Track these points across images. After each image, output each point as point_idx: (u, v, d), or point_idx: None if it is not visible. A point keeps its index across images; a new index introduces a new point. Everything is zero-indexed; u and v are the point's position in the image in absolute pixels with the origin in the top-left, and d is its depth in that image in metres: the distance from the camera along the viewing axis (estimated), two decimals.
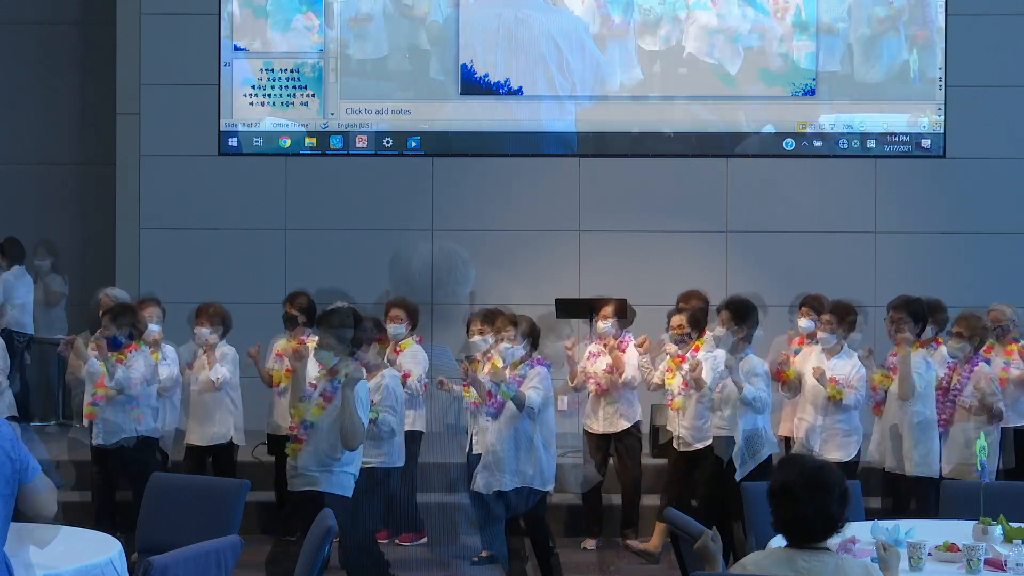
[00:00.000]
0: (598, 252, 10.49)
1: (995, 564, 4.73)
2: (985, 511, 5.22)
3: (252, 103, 10.63)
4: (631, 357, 8.01)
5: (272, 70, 10.62)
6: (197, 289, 9.40)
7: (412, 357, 8.00)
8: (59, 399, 10.26)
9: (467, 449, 7.69)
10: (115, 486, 7.64)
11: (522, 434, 6.92)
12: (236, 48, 10.63)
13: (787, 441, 7.90)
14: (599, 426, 8.09)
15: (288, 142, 10.63)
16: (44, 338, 10.21)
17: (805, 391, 7.54)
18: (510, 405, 6.87)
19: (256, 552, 7.44)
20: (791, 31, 10.51)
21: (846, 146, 10.50)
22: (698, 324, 7.75)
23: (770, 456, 7.17)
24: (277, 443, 8.10)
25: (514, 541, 7.49)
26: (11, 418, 7.88)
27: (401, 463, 7.35)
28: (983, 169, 10.48)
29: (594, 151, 10.60)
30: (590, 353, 8.17)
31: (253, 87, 10.63)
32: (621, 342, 8.06)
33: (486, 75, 10.54)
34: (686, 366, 7.59)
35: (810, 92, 10.49)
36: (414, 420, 7.96)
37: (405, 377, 7.63)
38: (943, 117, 10.44)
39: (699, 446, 7.57)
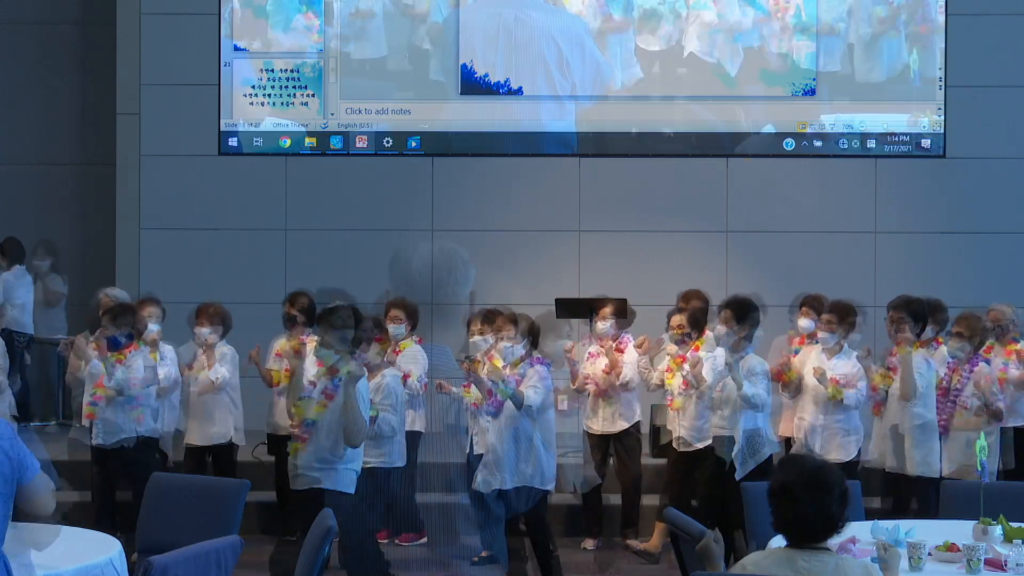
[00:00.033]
0: (598, 252, 10.49)
1: (995, 564, 4.73)
2: (985, 511, 5.22)
3: (252, 103, 10.63)
4: (630, 358, 8.01)
5: (272, 70, 10.62)
6: (197, 289, 9.40)
7: (412, 357, 8.00)
8: (59, 399, 10.26)
9: (468, 449, 7.69)
10: (115, 486, 7.64)
11: (522, 433, 6.93)
12: (236, 48, 10.63)
13: (787, 441, 7.90)
14: (598, 426, 8.09)
15: (288, 142, 10.63)
16: (44, 338, 10.20)
17: (805, 391, 7.54)
18: (509, 404, 6.87)
19: (256, 552, 7.45)
20: (791, 31, 10.51)
21: (846, 146, 10.50)
22: (698, 324, 7.75)
23: (770, 456, 7.18)
24: (277, 443, 8.11)
25: (514, 541, 7.50)
26: (12, 418, 7.90)
27: (402, 463, 7.35)
28: (983, 169, 10.48)
29: (594, 151, 10.60)
30: (589, 354, 8.17)
31: (253, 87, 10.63)
32: (620, 343, 8.06)
33: (486, 75, 10.54)
34: (687, 366, 7.59)
35: (810, 92, 10.49)
36: (413, 420, 7.97)
37: (405, 377, 7.63)
38: (943, 117, 10.44)
39: (699, 446, 7.57)
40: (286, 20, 10.64)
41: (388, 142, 10.59)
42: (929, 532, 5.02)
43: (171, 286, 9.67)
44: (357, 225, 10.50)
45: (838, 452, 7.35)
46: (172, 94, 10.55)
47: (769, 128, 10.51)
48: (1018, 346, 7.91)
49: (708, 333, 7.67)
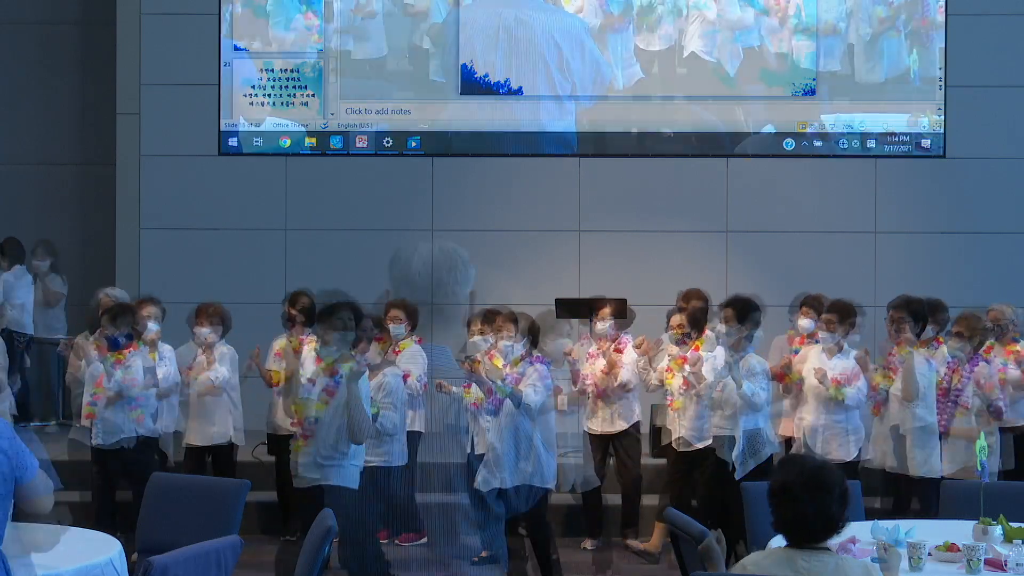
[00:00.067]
0: (598, 252, 10.49)
1: (995, 564, 4.72)
2: (985, 511, 5.22)
3: (252, 103, 10.63)
4: (628, 359, 8.01)
5: (272, 70, 10.62)
6: (197, 289, 9.40)
7: (411, 357, 8.00)
8: (59, 399, 10.26)
9: (469, 449, 7.69)
10: (115, 486, 7.64)
11: (521, 432, 6.93)
12: (236, 48, 10.63)
13: (787, 441, 7.90)
14: (597, 427, 8.08)
15: (288, 142, 10.63)
16: (44, 338, 10.20)
17: (806, 391, 7.54)
18: (509, 403, 6.87)
19: (256, 552, 7.45)
20: (791, 31, 10.51)
21: (846, 146, 10.50)
22: (698, 324, 7.75)
23: (770, 456, 7.18)
24: (277, 443, 8.11)
25: (514, 541, 7.50)
26: (11, 417, 7.90)
27: (403, 462, 7.36)
28: (983, 169, 10.48)
29: (594, 151, 10.60)
30: (589, 354, 8.16)
31: (253, 87, 10.63)
32: (619, 344, 8.05)
33: (486, 75, 10.54)
34: (688, 366, 7.59)
35: (810, 92, 10.49)
36: (413, 420, 7.97)
37: (405, 377, 7.63)
38: (943, 117, 10.44)
39: (699, 446, 7.57)
40: (286, 20, 10.64)
41: (388, 142, 10.59)
42: (929, 532, 5.02)
43: (171, 286, 9.67)
44: (357, 225, 10.50)
45: (839, 452, 7.35)
46: (172, 94, 10.55)
47: (769, 128, 10.51)
48: (1018, 346, 7.92)
49: (708, 332, 7.67)
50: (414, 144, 10.59)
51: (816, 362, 7.49)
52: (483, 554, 7.48)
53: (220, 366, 7.94)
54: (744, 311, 7.29)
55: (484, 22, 10.57)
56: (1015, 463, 7.70)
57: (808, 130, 10.50)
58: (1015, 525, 5.11)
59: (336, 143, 10.60)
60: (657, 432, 8.36)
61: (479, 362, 7.26)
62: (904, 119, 10.46)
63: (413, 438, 7.89)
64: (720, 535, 4.25)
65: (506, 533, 7.18)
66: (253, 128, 10.62)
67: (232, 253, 10.51)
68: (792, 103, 10.49)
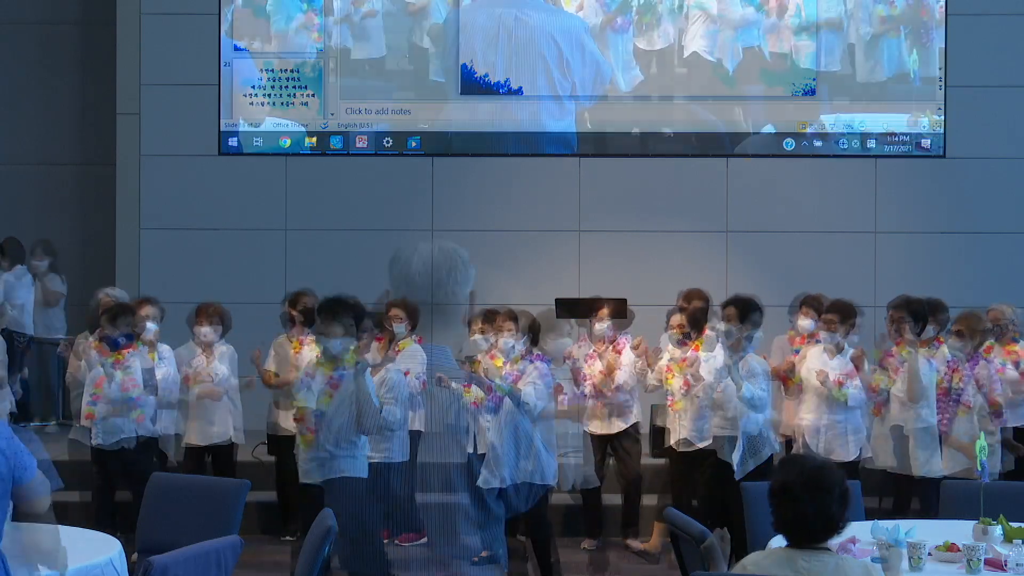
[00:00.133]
0: (598, 252, 10.49)
1: (995, 564, 4.72)
2: (985, 511, 5.22)
3: (252, 103, 10.63)
4: (626, 359, 8.00)
5: (272, 70, 10.62)
6: (197, 289, 9.40)
7: (411, 356, 8.00)
8: (59, 399, 10.25)
9: (470, 449, 7.69)
10: (115, 486, 7.64)
11: (521, 431, 6.93)
12: (236, 48, 10.63)
13: (788, 441, 7.89)
14: (596, 427, 8.08)
15: (288, 142, 10.63)
16: (44, 338, 10.20)
17: (806, 391, 7.54)
18: (509, 402, 6.87)
19: (256, 552, 7.45)
20: (791, 31, 10.50)
21: (846, 146, 10.50)
22: (698, 324, 7.75)
23: (771, 456, 7.17)
24: (277, 443, 8.11)
25: (514, 541, 7.50)
26: (11, 415, 7.91)
27: (404, 458, 7.36)
28: (983, 169, 10.48)
29: (594, 151, 10.60)
30: (587, 356, 8.15)
31: (253, 87, 10.63)
32: (617, 344, 8.04)
33: (486, 75, 10.54)
34: (687, 367, 7.59)
35: (810, 92, 10.49)
36: (413, 420, 7.97)
37: (405, 375, 7.63)
38: (943, 117, 10.44)
39: (700, 446, 7.57)
40: (286, 20, 10.64)
41: (388, 142, 10.59)
42: (929, 532, 5.01)
43: (171, 286, 9.67)
44: (357, 225, 10.50)
45: (839, 452, 7.35)
46: (172, 94, 10.55)
47: (769, 128, 10.51)
48: (1017, 347, 7.92)
49: (708, 332, 7.66)
50: (414, 144, 10.59)
51: (817, 362, 7.49)
52: (483, 554, 7.48)
53: (220, 364, 7.94)
54: (746, 310, 7.29)
55: (484, 22, 10.57)
56: (1015, 463, 7.70)
57: (808, 130, 10.50)
58: (1015, 525, 5.11)
59: (336, 143, 10.60)
60: (657, 432, 8.35)
61: (479, 362, 7.27)
62: (904, 119, 10.46)
63: (413, 437, 7.89)
64: (725, 533, 4.25)
65: (506, 533, 7.18)
66: (253, 128, 10.62)
67: (232, 253, 10.51)
68: (792, 103, 10.49)
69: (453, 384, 7.73)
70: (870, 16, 10.50)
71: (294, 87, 10.60)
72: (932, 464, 7.14)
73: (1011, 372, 7.79)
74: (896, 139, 10.47)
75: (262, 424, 8.31)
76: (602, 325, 8.06)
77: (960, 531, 5.12)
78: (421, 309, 8.48)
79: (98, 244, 11.02)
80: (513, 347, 7.13)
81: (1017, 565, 4.67)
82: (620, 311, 8.20)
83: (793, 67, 10.51)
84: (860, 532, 4.92)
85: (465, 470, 7.58)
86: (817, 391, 7.43)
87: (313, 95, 10.59)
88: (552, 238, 10.53)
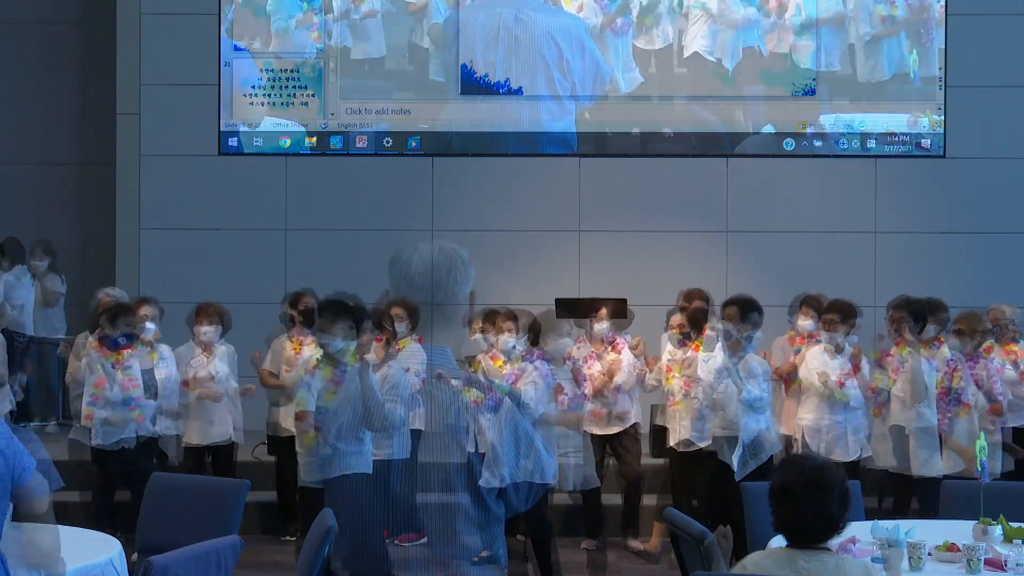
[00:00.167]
0: (598, 252, 10.49)
1: (995, 564, 4.72)
2: (985, 511, 5.22)
3: (252, 103, 10.63)
4: (625, 359, 8.00)
5: (272, 70, 10.62)
6: (197, 289, 9.40)
7: (412, 355, 8.00)
8: (59, 399, 10.25)
9: (470, 448, 7.68)
10: (115, 486, 7.64)
11: (521, 430, 6.92)
12: (236, 48, 10.63)
13: (788, 441, 7.89)
14: (596, 427, 8.07)
15: (288, 142, 10.63)
16: (44, 338, 10.20)
17: (806, 391, 7.54)
18: (509, 401, 6.87)
19: (256, 552, 7.46)
20: (791, 31, 10.50)
21: (846, 146, 10.50)
22: (698, 324, 7.75)
23: (771, 456, 7.17)
24: (277, 443, 8.11)
25: (514, 541, 7.50)
26: (11, 414, 7.90)
27: (405, 456, 7.36)
28: (983, 169, 10.48)
29: (594, 151, 10.60)
30: (587, 356, 8.15)
31: (253, 87, 10.63)
32: (616, 345, 8.04)
33: (486, 75, 10.54)
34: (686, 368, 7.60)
35: (810, 92, 10.49)
36: (412, 419, 7.96)
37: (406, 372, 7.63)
38: (943, 117, 10.44)
39: (700, 446, 7.57)
40: (286, 20, 10.64)
41: (388, 142, 10.59)
42: (929, 532, 5.02)
43: (171, 286, 9.67)
44: (357, 225, 10.50)
45: (840, 452, 7.35)
46: (172, 94, 10.55)
47: (769, 128, 10.51)
48: (1016, 347, 7.92)
49: (708, 332, 7.66)
50: (414, 144, 10.59)
51: (817, 362, 7.49)
52: (483, 554, 7.48)
53: (220, 363, 7.95)
54: (747, 310, 7.29)
55: (484, 22, 10.57)
56: (1015, 463, 7.71)
57: (808, 130, 10.50)
58: (1015, 525, 5.11)
59: (336, 143, 10.60)
60: (657, 432, 8.34)
61: (479, 362, 7.27)
62: (904, 119, 10.46)
63: (413, 436, 7.89)
64: (728, 531, 4.24)
65: (506, 533, 7.17)
66: (253, 128, 10.61)
67: (232, 253, 10.51)
68: (792, 103, 10.49)
69: (453, 381, 7.73)
70: (870, 16, 10.49)
71: (294, 87, 10.60)
72: (932, 464, 7.14)
73: (1010, 372, 7.79)
74: (896, 139, 10.47)
75: (262, 424, 8.31)
76: (601, 326, 8.05)
77: (960, 531, 5.12)
78: (421, 309, 8.48)
79: (98, 244, 11.02)
80: (513, 347, 7.14)
81: (1017, 565, 4.68)
82: (620, 311, 8.20)
83: (793, 67, 10.51)
84: (860, 532, 4.92)
85: (465, 470, 7.57)
86: (818, 391, 7.43)
87: (313, 95, 10.59)
88: (552, 238, 10.53)
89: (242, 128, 10.62)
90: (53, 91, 11.36)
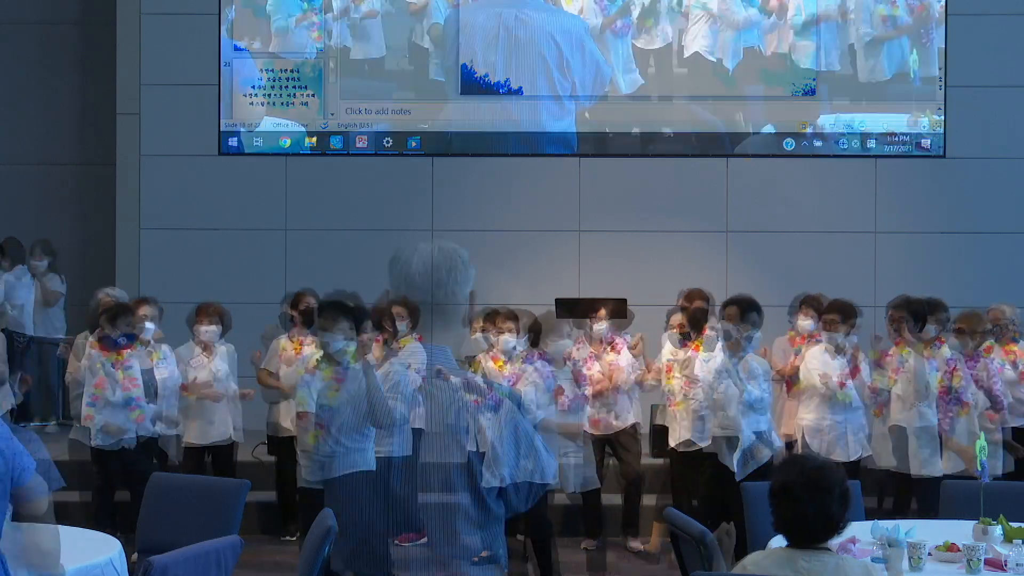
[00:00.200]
0: (598, 252, 10.49)
1: (995, 564, 4.72)
2: (985, 511, 5.22)
3: (252, 103, 10.63)
4: (624, 359, 8.00)
5: (272, 70, 10.62)
6: (197, 289, 9.40)
7: (412, 353, 7.97)
8: (59, 399, 10.25)
9: (470, 448, 7.67)
10: (115, 486, 7.64)
11: (521, 430, 6.91)
12: (236, 48, 10.63)
13: (788, 441, 7.89)
14: (595, 428, 8.07)
15: (288, 142, 10.63)
16: (44, 338, 10.19)
17: (807, 391, 7.54)
18: (509, 401, 6.87)
19: (256, 552, 7.45)
20: (791, 31, 10.50)
21: (846, 146, 10.50)
22: (698, 324, 7.75)
23: (771, 456, 7.17)
24: (277, 443, 8.11)
25: (514, 541, 7.50)
26: (11, 412, 7.90)
27: (406, 453, 7.35)
28: (983, 169, 10.48)
29: (594, 151, 10.60)
30: (586, 357, 8.15)
31: (253, 87, 10.63)
32: (615, 344, 8.04)
33: (486, 75, 10.54)
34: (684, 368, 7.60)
35: (810, 92, 10.48)
36: (412, 418, 7.95)
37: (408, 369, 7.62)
38: (943, 117, 10.44)
39: (700, 446, 7.57)
40: (286, 20, 10.64)
41: (388, 142, 10.59)
42: (929, 532, 5.02)
43: (171, 286, 9.67)
44: (357, 225, 10.50)
45: (840, 452, 7.35)
46: (172, 94, 10.55)
47: (769, 128, 10.51)
48: (1017, 347, 7.92)
49: (708, 332, 7.66)
50: (414, 144, 10.59)
51: (817, 363, 7.49)
52: (483, 554, 7.46)
53: (220, 363, 7.95)
54: (746, 310, 7.29)
55: (484, 22, 10.57)
56: (1015, 463, 7.71)
57: (808, 130, 10.50)
58: (1015, 525, 5.11)
59: (336, 143, 10.60)
60: (657, 432, 8.35)
61: (479, 362, 7.27)
62: (904, 119, 10.46)
63: (413, 435, 7.88)
64: (731, 528, 4.24)
65: (506, 533, 7.17)
66: (253, 128, 10.61)
67: (232, 253, 10.51)
68: (792, 103, 10.49)
69: (453, 379, 7.72)
70: (870, 16, 10.49)
71: (294, 87, 10.60)
72: (932, 464, 7.14)
73: (1010, 372, 7.79)
74: (896, 139, 10.47)
75: (262, 424, 8.31)
76: (601, 326, 8.05)
77: (960, 531, 5.12)
78: (422, 309, 8.47)
79: (98, 244, 11.02)
80: (514, 347, 7.13)
81: (1017, 565, 4.68)
82: (620, 311, 8.20)
83: (793, 67, 10.51)
84: (860, 532, 4.92)
85: (465, 470, 7.56)
86: (818, 392, 7.43)
87: (313, 95, 10.59)
88: (552, 238, 10.53)
89: (242, 128, 10.61)
90: (53, 91, 11.36)
